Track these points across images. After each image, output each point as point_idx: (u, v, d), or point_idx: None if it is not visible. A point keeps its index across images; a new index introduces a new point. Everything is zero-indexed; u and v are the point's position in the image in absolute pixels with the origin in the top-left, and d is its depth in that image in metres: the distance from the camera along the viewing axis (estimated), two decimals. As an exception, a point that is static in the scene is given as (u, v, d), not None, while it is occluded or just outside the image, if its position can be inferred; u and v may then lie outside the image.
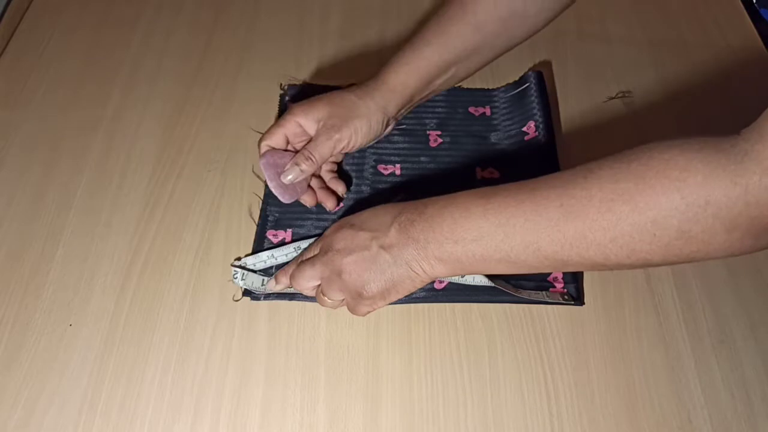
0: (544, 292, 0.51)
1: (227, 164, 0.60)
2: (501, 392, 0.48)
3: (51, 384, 0.48)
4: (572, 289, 0.52)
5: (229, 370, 0.49)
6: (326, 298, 0.48)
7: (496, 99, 0.65)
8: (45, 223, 0.56)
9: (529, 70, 0.65)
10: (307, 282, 0.48)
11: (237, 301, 0.52)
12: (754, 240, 0.37)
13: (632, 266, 0.41)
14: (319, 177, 0.57)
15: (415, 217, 0.45)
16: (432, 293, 0.52)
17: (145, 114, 0.64)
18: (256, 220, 0.56)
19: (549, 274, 0.53)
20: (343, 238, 0.47)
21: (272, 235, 0.55)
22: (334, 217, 0.56)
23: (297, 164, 0.53)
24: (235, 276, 0.52)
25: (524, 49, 0.69)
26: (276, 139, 0.54)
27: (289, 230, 0.56)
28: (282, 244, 0.55)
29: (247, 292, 0.52)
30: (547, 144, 0.59)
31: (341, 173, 0.59)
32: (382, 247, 0.45)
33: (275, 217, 0.56)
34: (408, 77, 0.55)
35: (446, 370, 0.49)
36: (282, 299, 0.52)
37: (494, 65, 0.68)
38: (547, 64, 0.68)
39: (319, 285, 0.48)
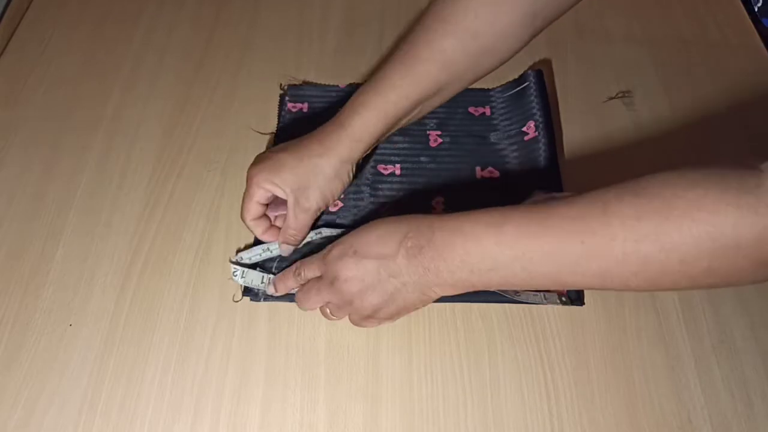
0: (542, 294, 0.51)
1: (227, 164, 0.60)
2: (501, 392, 0.48)
3: (51, 384, 0.48)
4: (572, 289, 0.52)
5: (229, 370, 0.49)
6: (333, 317, 0.49)
7: (495, 99, 0.65)
8: (45, 223, 0.56)
9: (528, 68, 0.65)
10: (314, 305, 0.49)
11: (237, 301, 0.52)
12: None
13: (653, 291, 0.41)
14: None
15: (423, 243, 0.43)
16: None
17: (145, 113, 0.64)
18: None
19: (549, 274, 0.53)
20: (348, 268, 0.45)
21: (272, 235, 0.55)
22: (333, 217, 0.56)
23: (286, 243, 0.52)
24: (235, 273, 0.52)
25: (524, 49, 0.69)
26: (254, 212, 0.52)
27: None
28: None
29: (247, 291, 0.52)
30: (546, 143, 0.59)
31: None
32: (392, 276, 0.44)
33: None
34: (374, 124, 0.51)
35: (446, 370, 0.49)
36: (282, 300, 0.52)
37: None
38: (546, 62, 0.68)
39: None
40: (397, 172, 0.60)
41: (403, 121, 0.53)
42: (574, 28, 0.72)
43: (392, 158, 0.60)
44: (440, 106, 0.64)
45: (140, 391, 0.48)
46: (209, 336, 0.50)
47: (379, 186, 0.59)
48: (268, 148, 0.61)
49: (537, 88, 0.63)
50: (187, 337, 0.50)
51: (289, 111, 0.64)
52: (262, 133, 0.62)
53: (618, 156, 0.61)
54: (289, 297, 0.52)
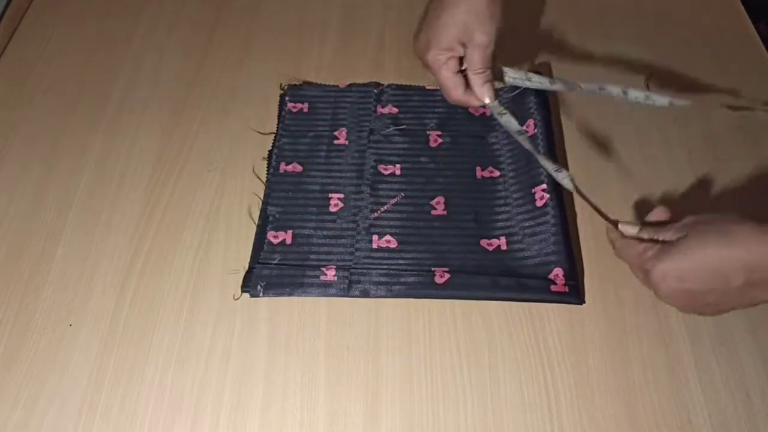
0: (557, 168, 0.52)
1: (227, 164, 0.60)
2: (501, 392, 0.48)
3: (51, 384, 0.48)
4: (572, 286, 0.52)
5: (229, 370, 0.49)
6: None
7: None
8: (45, 223, 0.56)
9: (529, 70, 0.65)
10: (628, 263, 0.48)
11: (237, 299, 0.52)
12: None
13: None
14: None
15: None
16: (432, 288, 0.52)
17: (145, 113, 0.64)
18: (256, 221, 0.56)
19: (550, 271, 0.52)
20: (670, 291, 0.44)
21: (272, 236, 0.55)
22: (334, 217, 0.56)
23: (483, 82, 0.53)
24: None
25: (523, 49, 0.69)
26: (457, 83, 0.54)
27: (290, 231, 0.56)
28: (282, 245, 0.55)
29: (245, 287, 0.52)
30: (545, 141, 0.59)
31: (345, 169, 0.60)
32: (717, 300, 0.44)
33: (275, 218, 0.56)
34: None
35: (446, 370, 0.49)
36: (282, 296, 0.52)
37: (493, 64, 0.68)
38: (545, 65, 0.68)
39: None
40: (398, 172, 0.60)
41: None
42: (574, 28, 0.72)
43: (392, 158, 0.60)
44: (441, 106, 0.64)
45: (140, 391, 0.48)
46: (209, 336, 0.50)
47: (380, 186, 0.59)
48: (268, 148, 0.61)
49: (536, 89, 0.63)
50: (187, 337, 0.50)
51: (289, 111, 0.64)
52: (262, 133, 0.62)
53: (619, 156, 0.61)
54: (287, 291, 0.52)
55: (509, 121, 0.55)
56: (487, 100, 0.54)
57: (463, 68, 0.54)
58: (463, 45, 0.53)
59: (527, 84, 0.57)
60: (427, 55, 0.53)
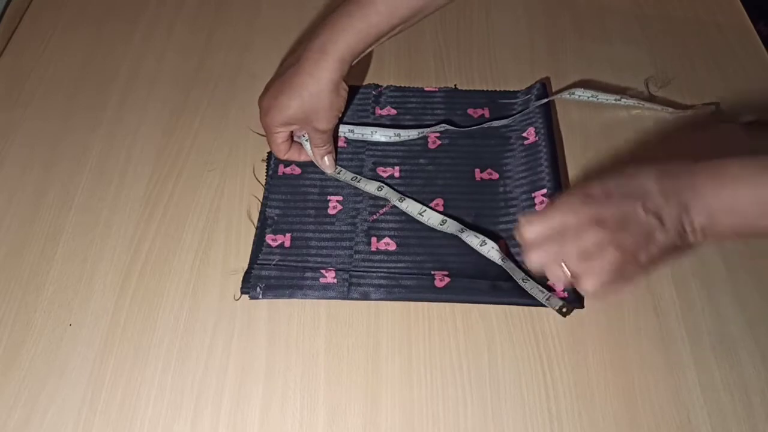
0: (548, 295, 0.51)
1: (227, 164, 0.60)
2: (501, 392, 0.48)
3: (51, 384, 0.48)
4: (571, 291, 0.51)
5: (228, 369, 0.49)
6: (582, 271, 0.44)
7: (495, 100, 0.65)
8: (45, 223, 0.56)
9: (536, 82, 0.65)
10: (563, 254, 0.44)
11: (237, 300, 0.52)
12: None
13: None
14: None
15: (682, 186, 0.43)
16: (432, 292, 0.52)
17: (145, 114, 0.64)
18: (255, 223, 0.56)
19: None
20: (604, 208, 0.43)
21: (271, 240, 0.55)
22: (333, 219, 0.56)
23: (322, 158, 0.58)
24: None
25: (523, 49, 0.70)
26: (284, 149, 0.58)
27: (288, 234, 0.56)
28: (281, 248, 0.55)
29: (245, 288, 0.52)
30: (547, 146, 0.59)
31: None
32: (651, 212, 0.43)
33: (274, 221, 0.56)
34: (356, 45, 0.54)
35: (446, 370, 0.49)
36: (281, 297, 0.52)
37: (493, 65, 0.68)
38: (546, 79, 0.68)
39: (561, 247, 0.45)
40: (396, 174, 0.60)
41: (384, 39, 0.55)
42: (573, 29, 0.72)
43: (391, 160, 0.60)
44: (439, 107, 0.64)
45: (140, 391, 0.48)
46: (209, 336, 0.50)
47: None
48: (267, 149, 0.61)
49: (538, 96, 0.63)
50: (187, 337, 0.50)
51: (289, 111, 0.64)
52: (261, 134, 0.62)
53: (619, 157, 0.61)
54: (287, 293, 0.52)
55: (352, 180, 0.58)
56: (328, 171, 0.59)
57: (294, 137, 0.59)
58: (301, 123, 0.56)
59: (372, 138, 0.61)
60: (263, 118, 0.57)
